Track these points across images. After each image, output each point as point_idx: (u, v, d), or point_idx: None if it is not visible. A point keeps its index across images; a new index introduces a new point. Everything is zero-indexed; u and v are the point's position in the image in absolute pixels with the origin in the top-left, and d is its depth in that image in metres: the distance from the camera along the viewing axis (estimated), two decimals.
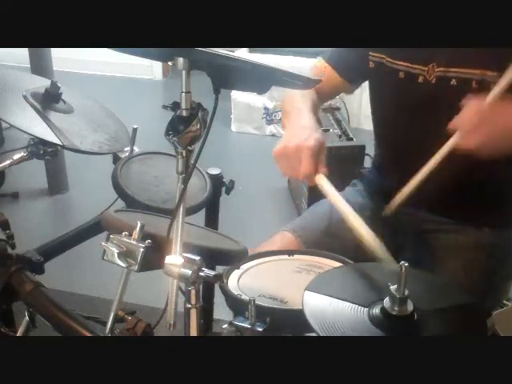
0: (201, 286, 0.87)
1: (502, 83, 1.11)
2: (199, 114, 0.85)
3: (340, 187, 1.52)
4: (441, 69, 1.22)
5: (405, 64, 1.27)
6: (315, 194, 2.70)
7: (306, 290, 0.88)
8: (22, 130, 1.27)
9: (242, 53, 3.40)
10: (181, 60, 0.83)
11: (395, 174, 1.34)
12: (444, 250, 1.25)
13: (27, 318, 1.10)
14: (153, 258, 0.91)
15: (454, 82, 1.20)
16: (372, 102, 1.42)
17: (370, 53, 1.32)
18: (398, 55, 1.27)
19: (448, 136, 1.17)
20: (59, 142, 1.30)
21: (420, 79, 1.25)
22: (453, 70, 1.20)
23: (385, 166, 1.45)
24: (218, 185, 1.50)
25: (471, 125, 1.10)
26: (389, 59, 1.29)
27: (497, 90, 1.11)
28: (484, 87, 1.16)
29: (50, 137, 1.31)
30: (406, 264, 0.80)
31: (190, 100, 0.85)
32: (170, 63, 0.86)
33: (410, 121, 1.29)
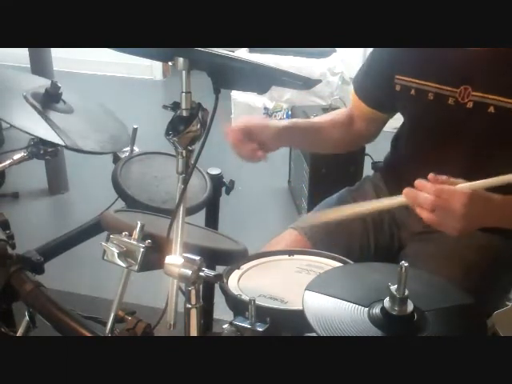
0: (201, 286, 0.87)
1: (489, 182, 1.04)
2: (199, 114, 0.85)
3: (339, 187, 1.53)
4: (478, 93, 1.18)
5: (434, 85, 1.24)
6: (315, 194, 2.70)
7: (306, 290, 0.88)
8: (24, 131, 1.27)
9: (241, 53, 3.40)
10: (181, 60, 0.83)
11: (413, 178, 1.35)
12: (447, 249, 1.25)
13: (27, 317, 1.10)
14: (153, 258, 0.91)
15: (491, 109, 1.17)
16: (401, 124, 1.40)
17: (396, 76, 1.30)
18: (426, 76, 1.26)
19: (476, 163, 1.16)
20: (61, 143, 1.30)
21: (450, 101, 1.22)
22: (491, 96, 1.17)
23: (402, 169, 1.42)
24: (218, 185, 1.50)
25: (429, 207, 1.03)
26: (416, 80, 1.27)
27: (478, 185, 1.04)
28: None
29: (52, 137, 1.31)
30: (406, 264, 0.80)
31: (190, 100, 0.85)
32: (169, 63, 0.86)
33: (441, 143, 1.27)
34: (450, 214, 1.03)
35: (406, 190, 1.07)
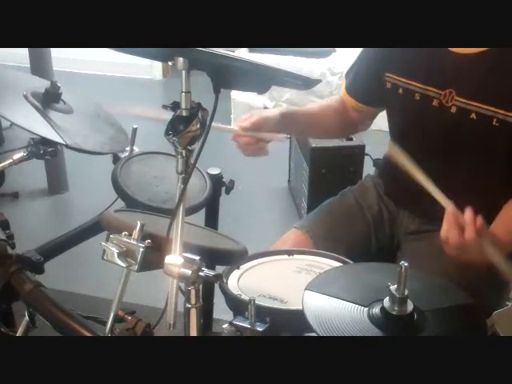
0: (201, 286, 0.87)
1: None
2: (199, 114, 0.85)
3: (339, 187, 1.53)
4: (462, 99, 1.20)
5: (420, 85, 1.26)
6: (315, 194, 2.70)
7: (306, 289, 0.88)
8: (25, 129, 1.27)
9: (241, 53, 3.40)
10: (181, 60, 0.83)
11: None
12: (442, 248, 1.25)
13: (27, 317, 1.10)
14: (153, 258, 0.91)
15: (473, 116, 1.19)
16: (388, 120, 1.42)
17: (386, 74, 1.32)
18: (413, 76, 1.27)
19: (458, 166, 1.18)
20: (63, 142, 1.30)
21: (435, 102, 1.24)
22: (474, 104, 1.18)
23: (396, 168, 1.44)
24: (218, 185, 1.50)
25: (452, 244, 1.07)
26: (404, 80, 1.29)
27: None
28: (505, 128, 1.15)
29: (53, 136, 1.31)
30: (406, 264, 0.80)
31: (189, 100, 0.85)
32: (169, 63, 0.86)
33: (424, 143, 1.28)
34: (467, 256, 1.08)
35: (452, 211, 1.07)
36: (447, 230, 1.07)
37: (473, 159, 1.24)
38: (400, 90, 1.30)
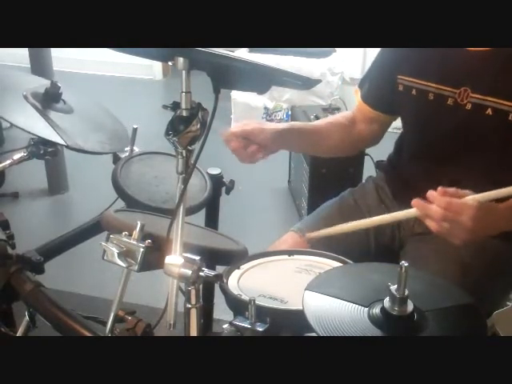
0: (201, 286, 0.87)
1: (497, 193, 1.04)
2: (199, 114, 0.85)
3: (339, 187, 1.53)
4: (478, 96, 1.20)
5: (434, 85, 1.26)
6: (315, 194, 2.70)
7: (306, 289, 0.88)
8: (25, 131, 1.27)
9: (241, 53, 3.40)
10: (181, 60, 0.83)
11: (418, 179, 1.35)
12: (445, 250, 1.25)
13: (27, 317, 1.10)
14: (153, 257, 0.91)
15: (489, 111, 1.18)
16: (403, 123, 1.41)
17: (399, 76, 1.32)
18: (426, 76, 1.27)
19: (475, 164, 1.17)
20: (63, 142, 1.30)
21: (450, 101, 1.24)
22: (490, 99, 1.18)
23: (405, 170, 1.44)
24: (218, 185, 1.50)
25: (439, 219, 1.04)
26: (417, 80, 1.28)
27: (485, 196, 1.04)
28: None
29: (54, 137, 1.31)
30: (406, 264, 0.80)
31: (190, 100, 0.85)
32: (169, 63, 0.86)
33: (439, 143, 1.28)
34: (458, 226, 1.04)
35: (416, 201, 1.06)
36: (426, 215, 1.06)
37: (488, 156, 1.23)
38: (413, 91, 1.30)
